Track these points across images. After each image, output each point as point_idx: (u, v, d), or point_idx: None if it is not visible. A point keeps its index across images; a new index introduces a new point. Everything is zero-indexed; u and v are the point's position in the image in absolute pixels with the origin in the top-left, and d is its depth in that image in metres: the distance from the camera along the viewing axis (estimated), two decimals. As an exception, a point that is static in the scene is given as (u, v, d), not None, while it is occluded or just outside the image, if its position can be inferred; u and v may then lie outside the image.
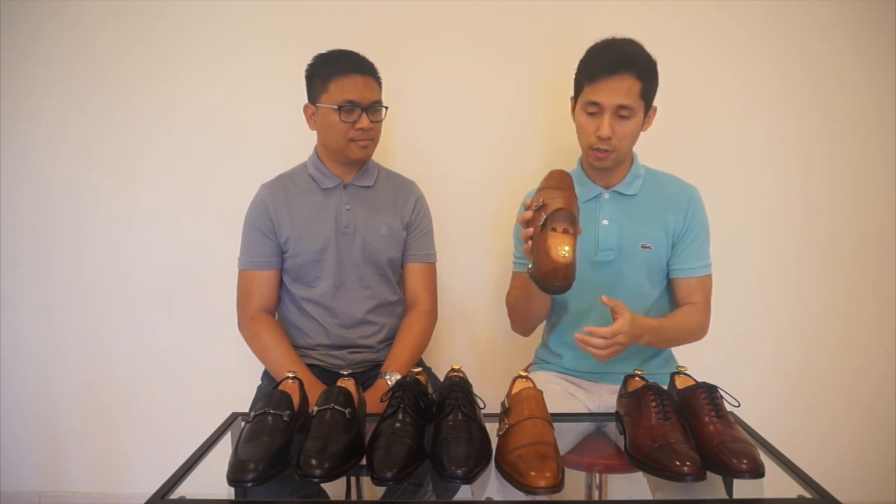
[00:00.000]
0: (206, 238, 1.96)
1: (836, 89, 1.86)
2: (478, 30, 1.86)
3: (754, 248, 1.94)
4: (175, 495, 0.97)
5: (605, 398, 1.45)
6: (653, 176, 1.49)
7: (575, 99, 1.43)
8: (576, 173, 1.50)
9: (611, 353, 1.24)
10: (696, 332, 1.46)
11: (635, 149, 1.49)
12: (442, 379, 1.27)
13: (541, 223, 1.18)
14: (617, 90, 1.32)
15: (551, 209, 1.19)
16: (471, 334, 2.01)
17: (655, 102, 1.42)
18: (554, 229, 1.19)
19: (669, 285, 1.50)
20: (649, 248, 1.43)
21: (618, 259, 1.44)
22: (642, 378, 1.20)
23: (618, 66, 1.32)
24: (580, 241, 1.44)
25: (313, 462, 0.93)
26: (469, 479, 0.93)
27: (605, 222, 1.44)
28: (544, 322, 1.61)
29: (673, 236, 1.44)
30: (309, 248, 1.50)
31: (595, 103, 1.34)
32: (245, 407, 1.24)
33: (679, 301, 1.48)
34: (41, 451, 2.10)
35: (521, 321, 1.53)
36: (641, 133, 1.44)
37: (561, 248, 1.16)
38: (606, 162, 1.40)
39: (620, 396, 1.20)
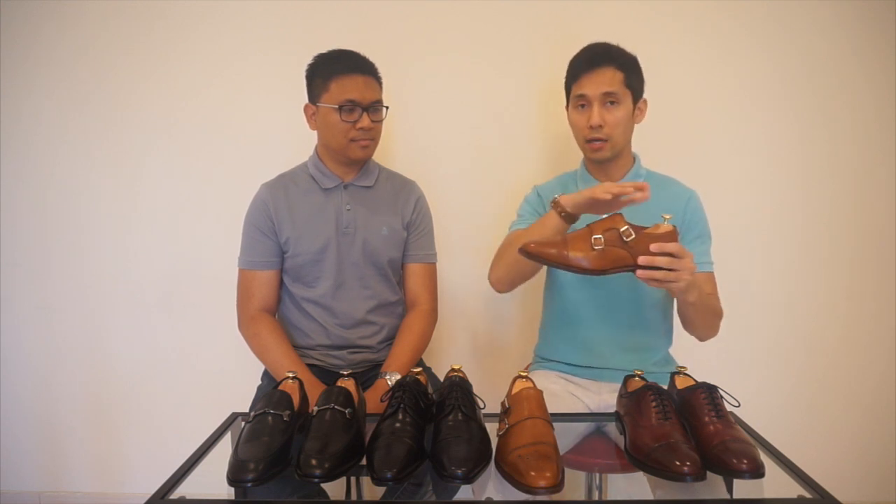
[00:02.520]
0: (206, 238, 1.96)
1: (836, 89, 1.86)
2: (478, 30, 1.86)
3: (754, 248, 1.94)
4: (175, 495, 0.97)
5: (605, 396, 1.45)
6: (653, 177, 1.51)
7: (567, 105, 1.49)
8: (580, 172, 1.54)
9: (690, 271, 1.15)
10: (719, 315, 1.42)
11: (637, 151, 1.50)
12: (442, 379, 1.27)
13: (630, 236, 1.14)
14: (600, 81, 1.39)
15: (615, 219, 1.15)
16: (471, 334, 2.01)
17: (654, 99, 1.45)
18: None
19: None
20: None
21: None
22: (642, 378, 1.20)
23: (598, 60, 1.40)
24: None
25: (313, 462, 0.93)
26: (469, 479, 0.93)
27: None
28: (542, 319, 1.62)
29: None
30: (309, 248, 1.50)
31: (581, 96, 1.41)
32: (245, 407, 1.24)
33: None
34: (41, 451, 2.10)
35: (507, 270, 1.43)
36: (641, 131, 1.45)
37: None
38: (603, 152, 1.42)
39: (620, 396, 1.20)
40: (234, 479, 0.93)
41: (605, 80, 1.38)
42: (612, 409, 1.25)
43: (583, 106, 1.42)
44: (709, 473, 0.95)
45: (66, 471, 2.12)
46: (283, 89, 1.82)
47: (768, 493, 0.96)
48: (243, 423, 1.05)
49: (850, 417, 2.00)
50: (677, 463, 0.93)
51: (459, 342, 2.00)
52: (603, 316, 1.47)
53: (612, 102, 1.39)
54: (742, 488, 0.96)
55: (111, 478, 2.11)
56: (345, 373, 1.23)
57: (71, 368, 2.05)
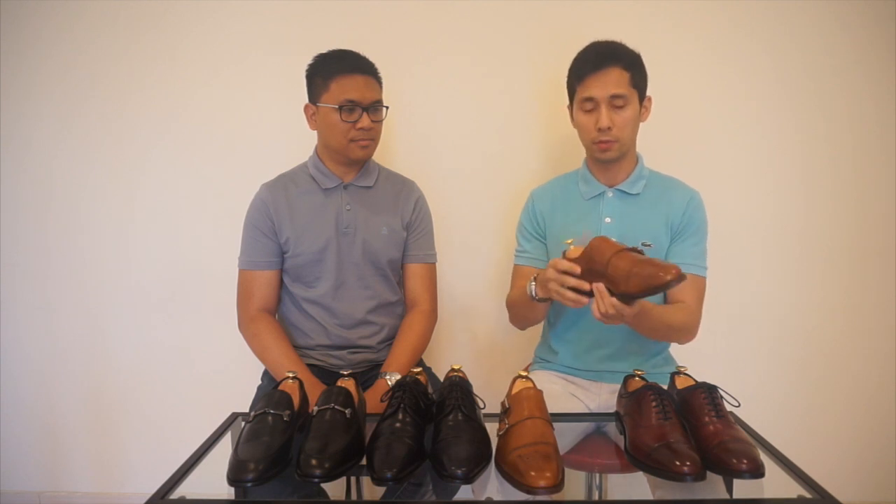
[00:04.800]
0: (207, 238, 1.96)
1: (837, 89, 1.86)
2: (479, 29, 1.86)
3: (755, 247, 1.94)
4: (175, 495, 0.97)
5: (604, 397, 1.45)
6: (656, 178, 1.50)
7: (571, 104, 1.47)
8: (581, 172, 1.53)
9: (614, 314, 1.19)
10: (681, 330, 1.41)
11: (641, 151, 1.50)
12: (442, 379, 1.27)
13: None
14: (607, 82, 1.37)
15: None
16: (471, 334, 2.01)
17: (656, 98, 1.44)
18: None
19: None
20: (649, 245, 1.42)
21: None
22: (642, 378, 1.20)
23: (603, 60, 1.38)
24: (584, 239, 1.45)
25: (313, 462, 0.93)
26: (469, 479, 0.94)
27: (608, 220, 1.45)
28: (544, 320, 1.61)
29: (672, 233, 1.45)
30: (309, 248, 1.50)
31: (589, 99, 1.39)
32: (245, 407, 1.24)
33: (669, 298, 1.44)
34: (41, 451, 2.10)
35: (520, 321, 1.55)
36: (643, 130, 1.45)
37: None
38: (611, 152, 1.41)
39: (620, 396, 1.20)
40: (234, 479, 0.93)
41: (612, 81, 1.36)
42: (612, 410, 1.25)
43: (590, 109, 1.39)
44: (709, 473, 0.95)
45: (66, 471, 2.12)
46: (283, 89, 1.82)
47: (768, 493, 0.96)
48: (243, 423, 1.05)
49: (850, 417, 2.00)
50: (677, 463, 0.93)
51: (459, 342, 2.00)
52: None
53: (619, 104, 1.37)
54: (742, 488, 0.97)
55: (111, 478, 2.11)
56: (345, 373, 1.23)
57: (71, 368, 2.05)
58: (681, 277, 1.05)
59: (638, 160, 1.49)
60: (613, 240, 1.19)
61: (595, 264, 1.16)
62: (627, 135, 1.40)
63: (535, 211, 1.54)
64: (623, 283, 1.10)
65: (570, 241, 1.25)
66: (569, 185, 1.54)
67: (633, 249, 1.15)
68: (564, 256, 1.24)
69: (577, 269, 1.18)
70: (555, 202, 1.53)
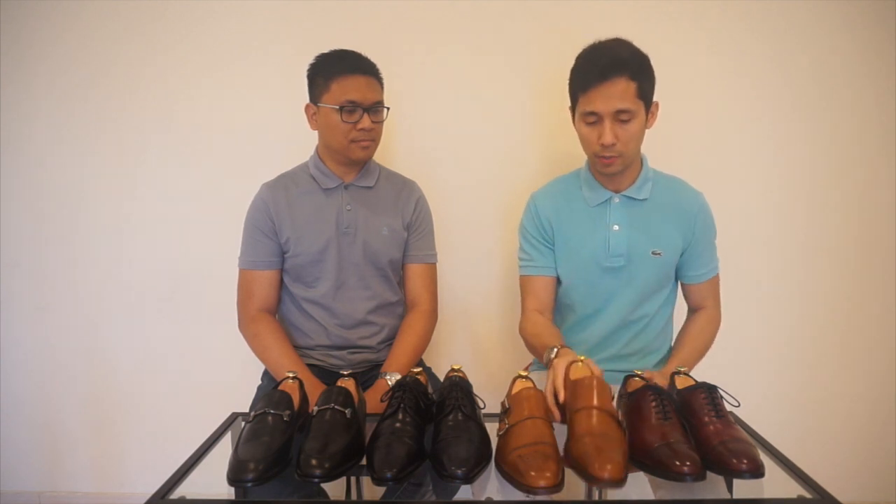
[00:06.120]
0: (207, 238, 1.96)
1: (840, 90, 1.86)
2: (480, 30, 1.86)
3: (756, 248, 1.94)
4: (175, 495, 0.97)
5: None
6: (661, 179, 1.47)
7: (573, 109, 1.40)
8: (584, 175, 1.48)
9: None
10: (716, 333, 1.50)
11: (644, 150, 1.47)
12: (442, 379, 1.27)
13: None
14: (612, 95, 1.28)
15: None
16: (471, 334, 2.01)
17: (660, 98, 1.38)
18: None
19: (675, 287, 1.51)
20: (660, 254, 1.42)
21: (628, 265, 1.43)
22: (642, 378, 1.20)
23: (608, 70, 1.27)
24: (590, 245, 1.43)
25: (313, 462, 0.93)
26: (469, 479, 0.93)
27: (616, 227, 1.42)
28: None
29: (683, 243, 1.44)
30: (310, 248, 1.50)
31: (593, 113, 1.31)
32: (245, 407, 1.24)
33: (692, 304, 1.51)
34: (41, 451, 2.10)
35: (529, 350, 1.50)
36: (648, 131, 1.41)
37: None
38: (615, 167, 1.37)
39: (620, 396, 1.20)
40: (234, 479, 0.93)
41: (617, 93, 1.27)
42: (612, 410, 1.25)
43: (593, 122, 1.32)
44: (709, 473, 0.95)
45: (65, 471, 2.12)
46: (283, 89, 1.82)
47: (768, 493, 0.96)
48: (243, 423, 1.05)
49: (850, 417, 2.00)
50: (677, 463, 0.93)
51: (459, 342, 2.00)
52: (604, 322, 1.47)
53: (624, 119, 1.29)
54: (742, 488, 0.97)
55: (111, 478, 2.11)
56: (345, 373, 1.23)
57: (70, 369, 2.05)
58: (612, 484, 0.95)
59: (643, 162, 1.46)
60: (610, 391, 1.09)
61: (569, 398, 1.10)
62: (632, 149, 1.34)
63: (539, 215, 1.49)
64: (572, 439, 1.01)
65: (587, 359, 1.17)
66: (571, 190, 1.49)
67: (614, 416, 1.05)
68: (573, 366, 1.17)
69: (561, 397, 1.12)
70: (558, 207, 1.48)
